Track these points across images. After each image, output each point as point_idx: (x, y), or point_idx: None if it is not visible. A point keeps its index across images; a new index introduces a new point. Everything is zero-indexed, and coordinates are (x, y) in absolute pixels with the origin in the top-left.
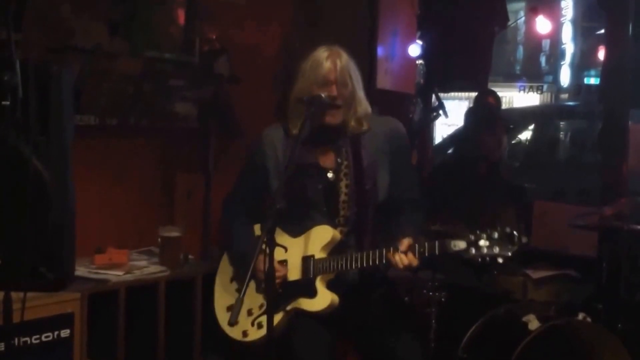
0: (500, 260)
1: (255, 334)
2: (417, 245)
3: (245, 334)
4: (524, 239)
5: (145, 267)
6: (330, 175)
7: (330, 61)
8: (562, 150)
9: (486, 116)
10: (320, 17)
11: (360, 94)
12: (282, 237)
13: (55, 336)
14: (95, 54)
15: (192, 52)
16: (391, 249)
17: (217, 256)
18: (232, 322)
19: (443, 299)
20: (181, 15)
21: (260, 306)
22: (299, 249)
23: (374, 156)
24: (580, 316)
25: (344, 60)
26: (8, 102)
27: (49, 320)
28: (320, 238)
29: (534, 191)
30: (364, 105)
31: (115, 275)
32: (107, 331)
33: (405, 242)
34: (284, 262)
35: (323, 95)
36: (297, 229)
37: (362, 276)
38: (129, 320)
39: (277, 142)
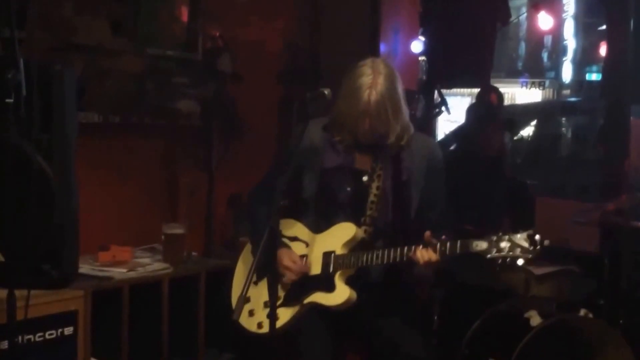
0: (520, 262)
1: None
2: (439, 244)
3: (260, 325)
4: (546, 242)
5: (148, 265)
6: (365, 178)
7: (367, 93)
8: (564, 146)
9: (485, 113)
10: (323, 15)
11: (397, 122)
12: (304, 233)
13: (59, 334)
14: (98, 52)
15: (195, 49)
16: (412, 247)
17: (220, 253)
18: (235, 318)
19: (445, 295)
20: (184, 13)
21: (277, 298)
22: (320, 245)
23: (411, 172)
24: (582, 312)
25: (381, 89)
26: (12, 100)
27: (52, 318)
28: (342, 235)
29: (536, 187)
30: (400, 130)
31: (118, 272)
32: (111, 329)
33: (427, 238)
34: (303, 257)
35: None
36: (321, 225)
37: (386, 277)
38: (133, 318)
39: (317, 137)
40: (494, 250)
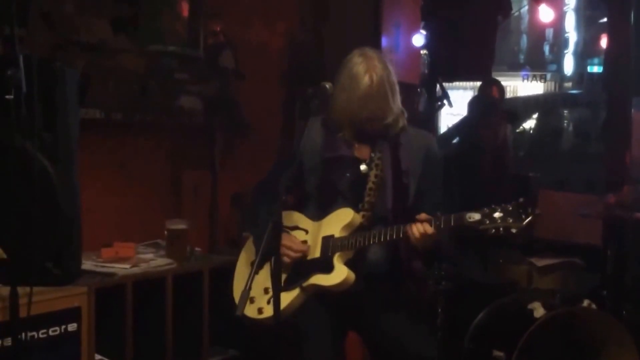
0: (514, 230)
1: (270, 312)
2: (433, 218)
3: (260, 311)
4: (538, 210)
5: (152, 260)
6: (363, 167)
7: (367, 77)
8: (566, 139)
9: (486, 107)
10: (326, 11)
11: (394, 103)
12: (304, 222)
13: (62, 330)
14: (100, 49)
15: (196, 46)
16: (408, 224)
17: (224, 250)
18: (239, 313)
19: (449, 290)
20: (185, 9)
21: None
22: (320, 231)
23: (408, 162)
24: (586, 303)
25: (380, 70)
26: (12, 97)
27: (55, 315)
28: (340, 219)
29: (538, 180)
30: (397, 111)
31: (122, 268)
32: (115, 325)
33: (422, 215)
34: (304, 243)
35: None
36: (321, 214)
37: (389, 269)
38: (137, 314)
39: (315, 133)
40: (487, 221)
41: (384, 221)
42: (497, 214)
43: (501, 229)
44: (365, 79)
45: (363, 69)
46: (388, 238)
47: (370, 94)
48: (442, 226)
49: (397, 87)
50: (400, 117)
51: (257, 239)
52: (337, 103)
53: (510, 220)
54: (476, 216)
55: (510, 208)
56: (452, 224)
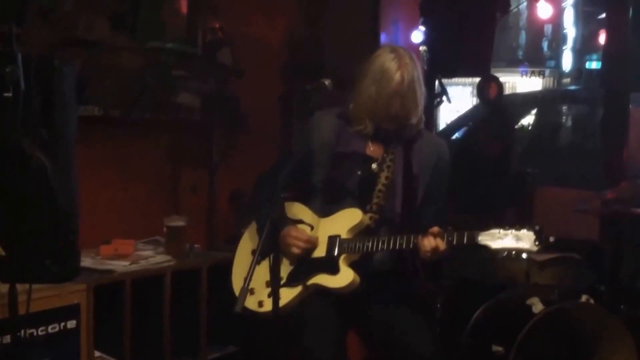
0: (524, 255)
1: (270, 306)
2: (446, 234)
3: (260, 304)
4: (551, 238)
5: (151, 257)
6: (374, 166)
7: (399, 74)
8: (564, 135)
9: (486, 109)
10: (324, 7)
11: (421, 103)
12: (309, 216)
13: (61, 327)
14: (99, 47)
15: (195, 42)
16: (419, 235)
17: (222, 247)
18: (238, 309)
19: (449, 285)
20: (184, 6)
21: (280, 279)
22: (325, 228)
23: (419, 167)
24: (584, 298)
25: (411, 70)
26: (10, 94)
27: (55, 312)
28: (348, 220)
29: (537, 176)
30: (420, 113)
31: (121, 265)
32: (114, 322)
33: (434, 228)
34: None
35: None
36: (328, 210)
37: (391, 266)
38: (136, 310)
39: (328, 127)
40: (499, 242)
41: (391, 224)
42: (509, 237)
43: (513, 252)
44: (397, 76)
45: (395, 66)
46: (397, 247)
47: (400, 92)
48: (454, 243)
49: (423, 89)
50: (420, 120)
51: (260, 225)
52: (363, 97)
53: (522, 245)
54: (489, 238)
55: (524, 232)
56: (464, 242)
